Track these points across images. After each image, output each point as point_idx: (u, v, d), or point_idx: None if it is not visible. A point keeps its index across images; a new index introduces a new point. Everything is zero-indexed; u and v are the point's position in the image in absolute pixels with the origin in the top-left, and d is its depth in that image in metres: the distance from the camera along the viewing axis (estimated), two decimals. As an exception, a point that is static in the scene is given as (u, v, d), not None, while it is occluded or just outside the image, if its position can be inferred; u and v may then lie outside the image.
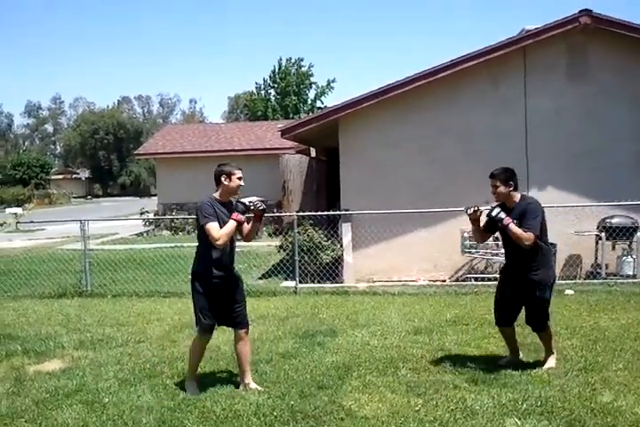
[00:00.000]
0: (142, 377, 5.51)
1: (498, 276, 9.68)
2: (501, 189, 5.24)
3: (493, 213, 5.19)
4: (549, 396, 4.72)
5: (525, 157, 10.14)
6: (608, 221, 9.67)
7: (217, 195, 5.07)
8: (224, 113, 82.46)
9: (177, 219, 19.97)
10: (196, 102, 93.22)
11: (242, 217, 4.98)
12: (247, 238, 5.32)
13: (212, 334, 5.20)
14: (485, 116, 10.29)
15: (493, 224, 5.33)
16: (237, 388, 5.13)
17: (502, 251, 9.75)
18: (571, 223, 9.91)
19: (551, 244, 9.63)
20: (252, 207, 4.99)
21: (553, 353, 5.47)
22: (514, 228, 5.09)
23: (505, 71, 10.26)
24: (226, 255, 5.09)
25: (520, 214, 5.14)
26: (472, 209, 5.35)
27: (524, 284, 5.25)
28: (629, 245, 9.69)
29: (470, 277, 10.09)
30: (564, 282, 9.51)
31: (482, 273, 10.22)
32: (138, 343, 6.74)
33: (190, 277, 5.17)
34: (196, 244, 5.21)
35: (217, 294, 5.03)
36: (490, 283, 9.66)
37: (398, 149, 10.42)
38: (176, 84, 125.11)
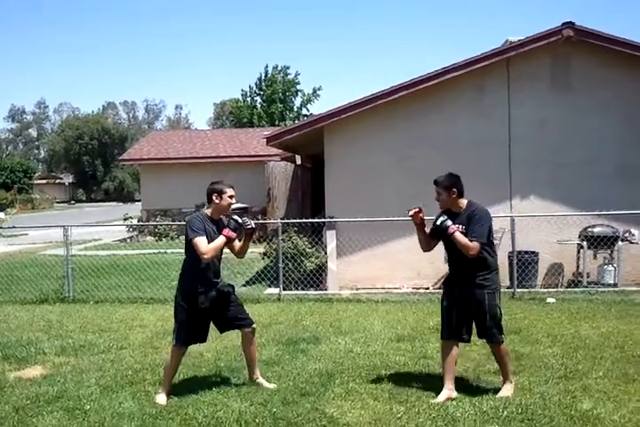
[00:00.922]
0: (124, 384, 5.48)
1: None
2: (444, 196, 5.05)
3: (438, 222, 5.01)
4: (530, 403, 4.76)
5: (508, 167, 10.24)
6: (590, 230, 9.77)
7: (208, 212, 5.12)
8: (209, 119, 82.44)
9: (160, 225, 19.90)
10: (181, 108, 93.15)
11: (233, 234, 5.02)
12: (240, 255, 5.37)
13: (187, 348, 5.21)
14: (469, 126, 10.38)
15: (439, 231, 5.09)
16: (220, 395, 5.12)
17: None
18: (553, 232, 10.00)
19: (532, 252, 9.85)
20: (243, 226, 5.04)
21: (510, 381, 5.04)
22: (459, 236, 4.90)
23: (488, 82, 10.37)
24: (211, 270, 5.12)
25: (467, 222, 4.97)
26: (413, 211, 5.14)
27: (471, 289, 4.97)
28: (610, 254, 9.80)
29: (453, 285, 10.11)
30: (545, 290, 9.62)
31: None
32: (120, 350, 6.71)
33: (176, 290, 5.20)
34: (181, 250, 5.22)
35: (202, 308, 5.06)
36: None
37: (382, 157, 10.48)
38: (162, 90, 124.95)
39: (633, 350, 6.18)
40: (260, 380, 5.33)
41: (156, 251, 16.06)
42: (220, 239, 4.95)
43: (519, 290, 9.42)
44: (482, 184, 10.21)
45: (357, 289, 10.16)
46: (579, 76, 10.27)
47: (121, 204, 55.25)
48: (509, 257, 9.79)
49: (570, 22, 9.83)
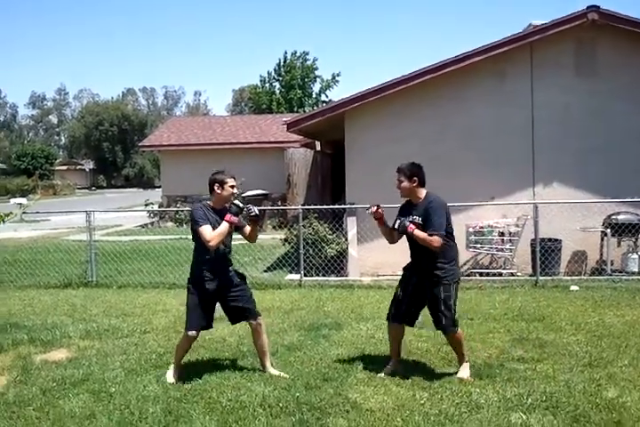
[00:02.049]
0: (148, 367, 5.55)
1: (503, 271, 9.73)
2: (405, 183, 5.11)
3: (397, 226, 5.15)
4: (554, 391, 4.74)
5: (532, 153, 10.12)
6: (614, 217, 9.65)
7: (210, 202, 5.19)
8: (228, 106, 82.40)
9: (181, 211, 20.00)
10: (200, 95, 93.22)
11: (235, 219, 5.06)
12: (251, 240, 5.39)
13: (197, 334, 5.24)
14: (491, 112, 10.26)
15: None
16: (243, 379, 5.15)
17: (507, 246, 9.87)
18: (576, 220, 9.89)
19: (555, 240, 9.75)
20: (244, 212, 5.11)
21: (466, 361, 5.20)
22: (419, 233, 5.00)
23: (511, 67, 10.23)
24: (219, 258, 5.17)
25: (424, 213, 5.04)
26: (372, 209, 5.27)
27: (428, 280, 5.09)
28: (635, 242, 9.67)
29: (475, 272, 10.09)
30: (569, 278, 9.54)
31: (486, 268, 10.22)
32: (143, 334, 6.78)
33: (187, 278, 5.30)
34: None
35: (212, 296, 5.15)
36: (494, 278, 9.70)
37: (403, 143, 10.39)
38: (181, 76, 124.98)
39: (656, 338, 6.12)
40: (272, 371, 5.31)
41: (177, 236, 16.12)
42: (224, 225, 5.01)
43: (542, 278, 9.34)
44: (505, 171, 10.18)
45: (378, 276, 10.15)
46: (603, 60, 10.09)
47: (141, 190, 55.65)
48: (532, 244, 9.72)
49: (595, 6, 9.64)
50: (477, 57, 9.88)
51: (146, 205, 22.70)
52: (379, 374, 5.20)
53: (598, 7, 9.65)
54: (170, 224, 20.81)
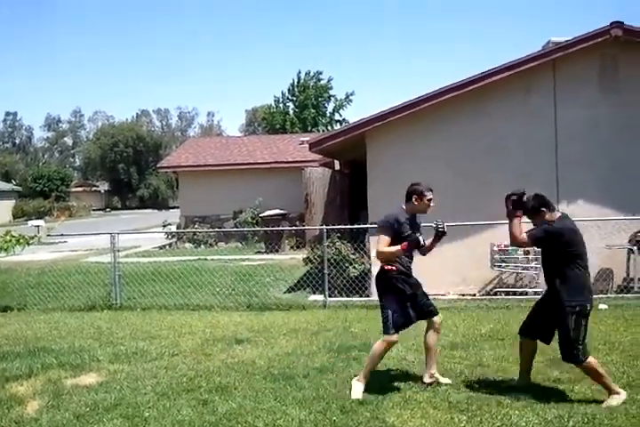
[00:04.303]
0: (180, 391, 5.50)
1: (528, 290, 9.64)
2: (538, 218, 5.18)
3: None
4: (595, 413, 4.65)
5: (555, 170, 10.07)
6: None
7: (406, 207, 5.37)
8: (241, 126, 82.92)
9: (199, 232, 20.04)
10: (213, 115, 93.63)
11: (408, 248, 5.18)
12: (425, 254, 5.53)
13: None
14: (515, 129, 10.24)
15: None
16: (278, 402, 5.09)
17: (533, 264, 9.77)
18: (602, 237, 9.80)
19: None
20: (434, 228, 5.29)
21: (615, 392, 4.90)
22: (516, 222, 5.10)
23: (534, 83, 10.23)
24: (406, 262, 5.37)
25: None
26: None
27: (556, 305, 5.05)
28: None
29: (500, 292, 10.00)
30: (596, 296, 9.38)
31: (512, 287, 10.12)
32: (172, 357, 6.73)
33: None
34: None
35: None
36: (521, 297, 9.59)
37: (426, 161, 10.38)
38: (194, 97, 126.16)
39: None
40: (437, 375, 5.45)
41: (195, 258, 16.17)
42: (396, 248, 5.16)
43: (569, 296, 9.21)
44: (529, 188, 10.08)
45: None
46: (627, 75, 10.07)
47: (156, 211, 55.86)
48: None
49: (619, 22, 9.66)
50: (501, 74, 9.91)
51: (164, 226, 22.78)
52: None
53: (622, 23, 9.68)
54: (188, 245, 20.85)
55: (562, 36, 10.48)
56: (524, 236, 5.01)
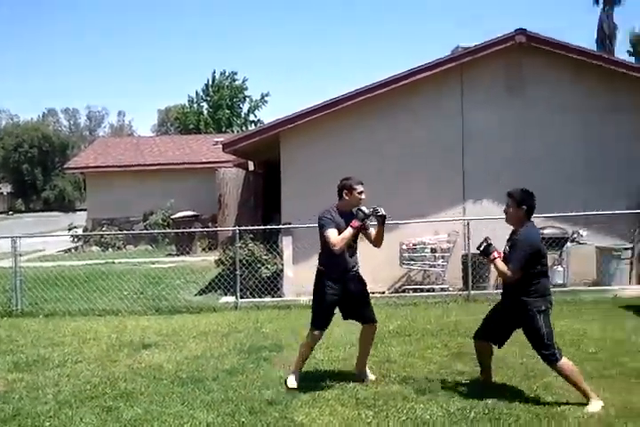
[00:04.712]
0: (83, 399, 5.32)
1: (435, 287, 9.92)
2: (512, 210, 5.12)
3: (480, 247, 5.13)
4: (496, 403, 4.83)
5: (462, 171, 10.41)
6: (540, 231, 9.98)
7: (338, 205, 5.39)
8: (153, 126, 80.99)
9: (107, 235, 19.45)
10: (124, 115, 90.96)
11: (358, 224, 5.19)
12: (377, 244, 5.49)
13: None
14: (423, 131, 10.52)
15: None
16: (185, 407, 5.01)
17: (439, 262, 10.07)
18: (505, 235, 10.17)
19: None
20: (372, 213, 5.23)
21: (591, 397, 4.76)
22: (498, 263, 5.00)
23: (444, 87, 10.54)
24: (345, 260, 5.36)
25: (511, 245, 5.12)
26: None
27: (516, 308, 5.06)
28: (560, 255, 10.06)
29: (409, 289, 10.25)
30: (498, 291, 9.75)
31: (420, 284, 10.39)
32: (75, 364, 6.50)
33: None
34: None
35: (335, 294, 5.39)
36: (428, 294, 9.87)
37: (339, 162, 10.48)
38: (104, 96, 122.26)
39: (588, 347, 6.36)
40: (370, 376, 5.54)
41: (103, 261, 15.69)
42: (348, 231, 5.18)
43: (474, 292, 9.57)
44: (437, 188, 10.42)
45: (315, 295, 10.12)
46: (530, 80, 10.54)
47: (62, 213, 53.75)
48: (463, 260, 9.96)
49: (522, 29, 10.13)
50: (410, 78, 10.17)
51: (70, 229, 21.94)
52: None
53: (525, 30, 10.14)
54: (95, 248, 20.21)
55: (470, 42, 10.88)
56: (510, 270, 4.87)
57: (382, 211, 5.24)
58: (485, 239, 5.09)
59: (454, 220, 10.07)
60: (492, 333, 5.25)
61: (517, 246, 4.95)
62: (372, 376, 5.57)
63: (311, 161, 10.57)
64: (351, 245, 5.37)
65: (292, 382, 5.40)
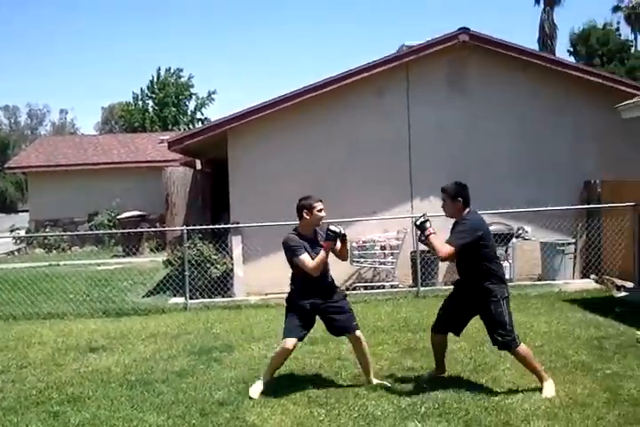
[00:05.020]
0: (29, 404, 5.18)
1: (385, 284, 10.00)
2: (448, 203, 5.19)
3: (417, 222, 5.12)
4: (445, 398, 4.90)
5: (409, 168, 10.52)
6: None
7: (299, 228, 5.23)
8: (97, 124, 79.27)
9: (51, 236, 18.95)
10: (67, 113, 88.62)
11: (331, 244, 5.07)
12: (343, 258, 5.44)
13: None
14: (372, 129, 10.58)
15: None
16: (134, 410, 4.92)
17: (389, 259, 10.16)
18: (452, 231, 10.35)
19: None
20: (341, 232, 5.11)
21: (546, 379, 4.98)
22: (433, 239, 5.02)
23: (390, 85, 10.62)
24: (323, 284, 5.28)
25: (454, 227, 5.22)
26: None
27: (476, 297, 5.15)
28: (506, 251, 10.27)
29: (359, 286, 10.31)
30: (446, 288, 9.91)
31: (370, 282, 10.47)
32: (20, 369, 6.31)
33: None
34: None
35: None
36: (378, 291, 9.95)
37: (288, 160, 10.50)
38: (45, 94, 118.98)
39: (534, 340, 6.51)
40: (373, 380, 5.36)
41: (47, 263, 15.29)
42: (322, 254, 5.07)
43: (423, 288, 9.69)
44: (385, 186, 10.50)
45: (266, 295, 10.09)
46: (473, 78, 10.73)
47: (3, 215, 52.12)
48: (412, 257, 10.08)
49: (465, 28, 10.30)
50: (358, 75, 10.20)
51: (12, 230, 21.30)
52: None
53: (468, 29, 10.31)
54: (38, 250, 19.68)
55: (415, 40, 11.00)
56: (448, 247, 4.91)
57: (342, 230, 5.16)
58: (423, 215, 5.13)
59: (402, 217, 10.17)
60: (451, 323, 5.36)
61: (459, 226, 5.07)
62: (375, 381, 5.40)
63: (260, 159, 10.52)
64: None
65: (255, 391, 5.15)
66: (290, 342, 5.21)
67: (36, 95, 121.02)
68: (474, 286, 5.11)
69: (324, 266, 5.22)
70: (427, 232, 5.01)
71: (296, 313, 5.26)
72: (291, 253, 5.15)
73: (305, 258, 5.09)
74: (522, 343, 5.09)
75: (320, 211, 5.18)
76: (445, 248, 4.93)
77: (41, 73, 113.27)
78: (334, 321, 5.35)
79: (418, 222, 5.09)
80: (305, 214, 5.17)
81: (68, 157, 21.54)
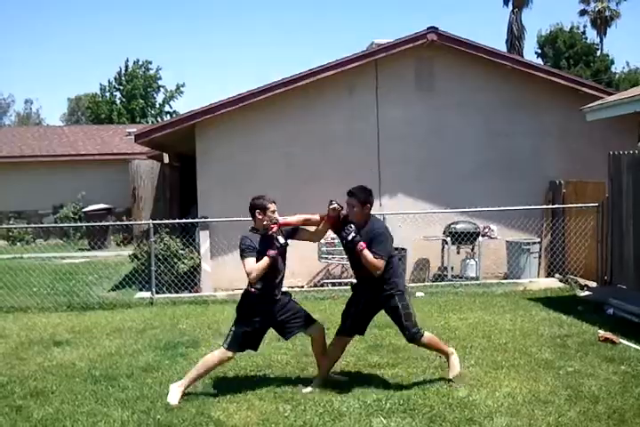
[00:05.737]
0: (-10, 399, 5.08)
1: (353, 280, 10.08)
2: (358, 209, 5.07)
3: (349, 238, 4.99)
4: (410, 394, 4.96)
5: (378, 165, 10.58)
6: (453, 226, 10.32)
7: (255, 227, 5.09)
8: (63, 115, 77.78)
9: (15, 228, 18.58)
10: (32, 103, 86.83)
11: (274, 253, 4.91)
12: (317, 236, 5.45)
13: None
14: (341, 125, 10.64)
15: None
16: (99, 404, 4.87)
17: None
18: (420, 229, 10.45)
19: (402, 249, 10.24)
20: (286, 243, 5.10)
21: (451, 353, 5.30)
22: (368, 254, 4.94)
23: (359, 82, 10.67)
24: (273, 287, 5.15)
25: (367, 237, 5.03)
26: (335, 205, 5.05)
27: (380, 295, 5.23)
28: (472, 249, 10.41)
29: (327, 283, 10.34)
30: (414, 285, 10.03)
31: (338, 278, 10.51)
32: (-20, 364, 6.20)
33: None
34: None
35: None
36: (346, 287, 9.94)
37: (257, 154, 10.48)
38: (10, 83, 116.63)
39: (499, 338, 6.62)
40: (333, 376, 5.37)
41: (10, 256, 14.99)
42: (264, 261, 4.91)
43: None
44: (354, 182, 10.50)
45: (233, 290, 10.03)
46: (441, 77, 10.85)
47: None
48: (380, 254, 10.13)
49: (434, 27, 10.39)
50: (328, 72, 10.23)
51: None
52: (304, 390, 5.10)
53: (437, 28, 10.40)
54: (2, 243, 19.26)
55: (385, 38, 11.04)
56: (381, 261, 4.92)
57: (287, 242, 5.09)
58: (349, 226, 4.99)
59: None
60: (359, 325, 5.38)
61: (378, 239, 4.98)
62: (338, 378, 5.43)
63: (228, 153, 10.47)
64: (280, 270, 5.17)
65: (174, 398, 4.92)
66: (232, 353, 5.08)
67: (0, 85, 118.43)
68: (374, 285, 5.09)
69: (275, 271, 5.06)
70: (359, 247, 4.92)
71: (251, 326, 5.06)
72: (240, 254, 4.98)
73: (248, 261, 4.90)
74: (427, 333, 5.25)
75: (273, 212, 5.00)
76: (380, 263, 4.93)
77: (5, 61, 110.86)
78: (290, 322, 5.24)
79: (349, 238, 4.96)
80: (258, 214, 5.00)
81: (32, 148, 21.11)
